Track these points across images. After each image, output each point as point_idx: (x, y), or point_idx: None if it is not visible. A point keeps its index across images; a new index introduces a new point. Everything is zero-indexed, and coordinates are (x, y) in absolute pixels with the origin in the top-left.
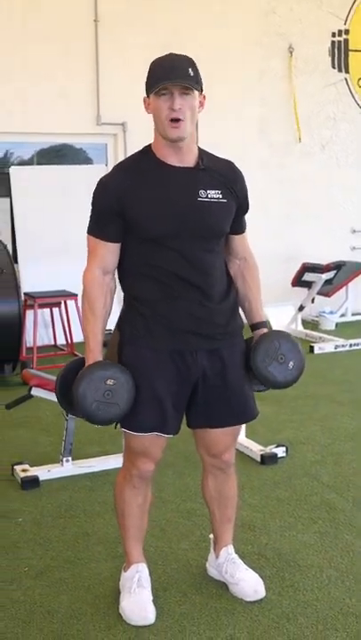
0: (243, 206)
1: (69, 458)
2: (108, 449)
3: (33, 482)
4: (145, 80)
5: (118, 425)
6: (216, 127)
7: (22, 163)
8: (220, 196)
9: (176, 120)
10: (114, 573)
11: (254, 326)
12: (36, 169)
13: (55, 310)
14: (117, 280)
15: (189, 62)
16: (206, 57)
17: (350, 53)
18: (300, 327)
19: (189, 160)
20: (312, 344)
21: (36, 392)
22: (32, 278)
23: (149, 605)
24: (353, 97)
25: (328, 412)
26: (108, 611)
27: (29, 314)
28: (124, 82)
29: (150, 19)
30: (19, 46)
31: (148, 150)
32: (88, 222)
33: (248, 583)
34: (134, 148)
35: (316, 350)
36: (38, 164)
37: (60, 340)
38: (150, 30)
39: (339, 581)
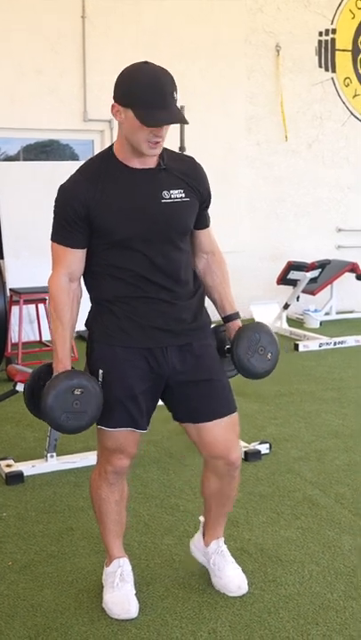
0: (205, 202)
1: (54, 454)
2: (91, 445)
3: (17, 477)
4: (119, 84)
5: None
6: (203, 125)
7: (8, 158)
8: (183, 195)
9: (156, 142)
10: (97, 568)
11: (227, 318)
12: (22, 164)
13: (41, 306)
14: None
15: (173, 83)
16: (194, 55)
17: (337, 53)
18: (285, 325)
19: (151, 161)
20: (297, 342)
21: (20, 387)
22: (17, 274)
23: (132, 599)
24: (339, 96)
25: (312, 409)
26: (91, 605)
27: (15, 310)
28: (112, 78)
29: (138, 15)
30: (4, 41)
31: (109, 154)
32: (52, 229)
33: (233, 579)
34: None
35: (301, 348)
36: (24, 159)
37: (46, 336)
38: (138, 27)
39: (320, 576)
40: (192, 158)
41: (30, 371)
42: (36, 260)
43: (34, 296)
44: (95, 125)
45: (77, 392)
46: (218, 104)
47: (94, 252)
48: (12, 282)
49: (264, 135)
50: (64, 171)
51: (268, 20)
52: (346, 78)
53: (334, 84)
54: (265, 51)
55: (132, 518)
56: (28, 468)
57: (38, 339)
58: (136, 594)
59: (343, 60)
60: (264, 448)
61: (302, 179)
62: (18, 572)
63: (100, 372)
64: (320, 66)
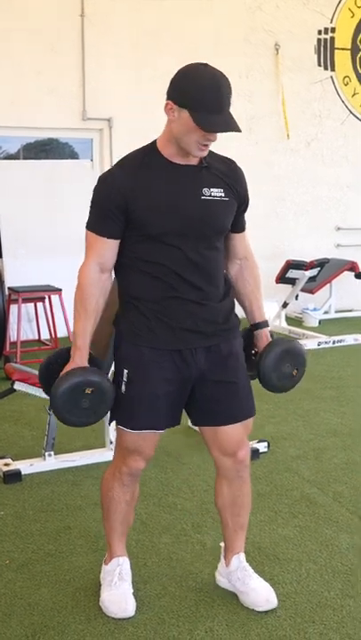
0: (244, 204)
1: (52, 452)
2: (90, 443)
3: (15, 476)
4: (178, 83)
5: (114, 422)
6: None
7: (8, 157)
8: (223, 195)
9: (206, 145)
10: (95, 566)
11: (256, 326)
12: (21, 163)
13: (39, 305)
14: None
15: (230, 88)
16: (193, 54)
17: (336, 51)
18: (284, 324)
19: (194, 159)
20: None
21: (18, 386)
22: (16, 273)
23: (129, 598)
24: (338, 95)
25: (310, 407)
26: (88, 603)
27: (13, 308)
28: (111, 77)
29: (137, 14)
30: (4, 41)
31: (153, 147)
32: (88, 217)
33: (260, 592)
34: (120, 143)
35: None
36: (24, 158)
37: (44, 335)
38: (137, 26)
39: (317, 575)
40: (233, 161)
41: (29, 370)
42: (34, 259)
43: (32, 295)
44: (94, 124)
45: (88, 391)
46: None
47: (127, 244)
48: (11, 281)
49: (263, 134)
50: (64, 170)
51: (267, 18)
52: (345, 77)
53: (333, 83)
54: (264, 49)
55: (134, 517)
56: (26, 466)
57: (37, 337)
58: (134, 592)
59: (342, 59)
60: (262, 447)
61: (302, 177)
62: (15, 570)
63: (125, 371)
64: (319, 64)
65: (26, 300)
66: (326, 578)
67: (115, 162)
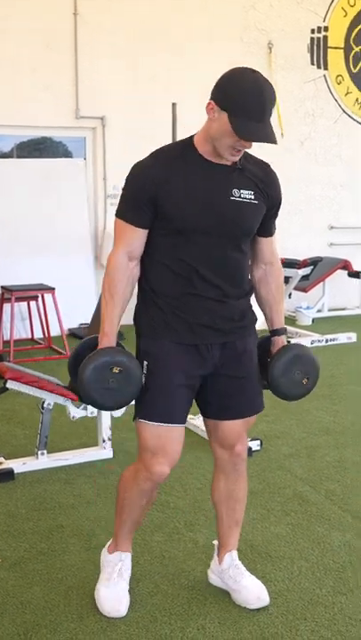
0: (274, 209)
1: (44, 451)
2: (83, 442)
3: (8, 474)
4: (222, 85)
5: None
6: (197, 122)
7: (2, 155)
8: (253, 197)
9: (239, 150)
10: (87, 565)
11: (274, 332)
12: (15, 162)
13: (32, 304)
14: None
15: (274, 98)
16: (188, 52)
17: (329, 50)
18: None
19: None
20: (289, 339)
21: (11, 385)
22: (10, 272)
23: (124, 598)
24: (331, 94)
25: (303, 406)
26: (80, 602)
27: (6, 307)
28: (104, 75)
29: (131, 12)
30: None
31: (189, 143)
32: (118, 205)
33: (252, 590)
34: (113, 141)
35: None
36: (18, 157)
37: (37, 334)
38: (131, 24)
39: (309, 572)
40: (268, 164)
41: (21, 368)
42: (28, 258)
43: (26, 294)
44: (87, 122)
45: (116, 370)
46: None
47: (152, 236)
48: (4, 279)
49: None
50: (57, 168)
51: (260, 17)
52: (338, 76)
53: (326, 82)
54: (257, 48)
55: None
56: (19, 465)
57: (30, 336)
58: (129, 590)
59: (335, 58)
60: (255, 445)
61: (295, 176)
62: (7, 569)
63: (145, 363)
64: (312, 63)
65: (19, 299)
66: (318, 575)
67: (108, 160)
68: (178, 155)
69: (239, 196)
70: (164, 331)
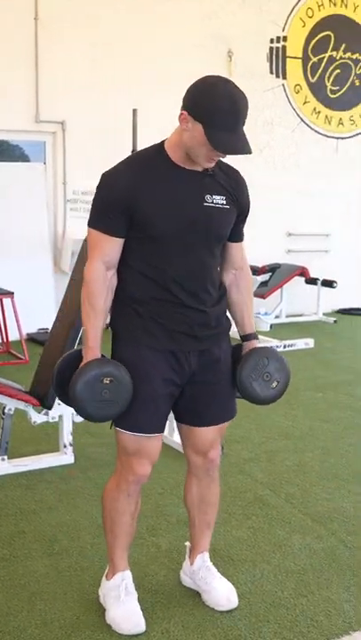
0: (243, 214)
1: (5, 456)
2: (42, 448)
3: None
4: (196, 96)
5: (112, 424)
6: (157, 129)
7: None
8: (224, 202)
9: (215, 159)
10: (50, 571)
11: (245, 337)
12: None
13: None
14: None
15: (247, 108)
16: (147, 57)
17: (288, 60)
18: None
19: (199, 165)
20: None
21: None
22: None
23: (139, 612)
24: (290, 103)
25: (262, 411)
26: (44, 607)
27: None
28: (65, 80)
29: (91, 19)
30: None
31: (161, 149)
32: (91, 215)
33: (222, 592)
34: (74, 146)
35: None
36: None
37: (14, 336)
38: (91, 30)
39: (271, 575)
40: (237, 170)
41: None
42: None
43: None
44: (47, 127)
45: (107, 381)
46: (171, 108)
47: (129, 245)
48: None
49: None
50: (15, 172)
51: (220, 25)
52: (296, 85)
53: (285, 91)
54: (217, 56)
55: (87, 520)
56: None
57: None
58: (86, 598)
59: (294, 68)
60: None
61: (253, 184)
62: None
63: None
64: (271, 72)
65: None
66: (280, 578)
67: (68, 165)
68: (150, 162)
69: (212, 202)
70: (142, 336)
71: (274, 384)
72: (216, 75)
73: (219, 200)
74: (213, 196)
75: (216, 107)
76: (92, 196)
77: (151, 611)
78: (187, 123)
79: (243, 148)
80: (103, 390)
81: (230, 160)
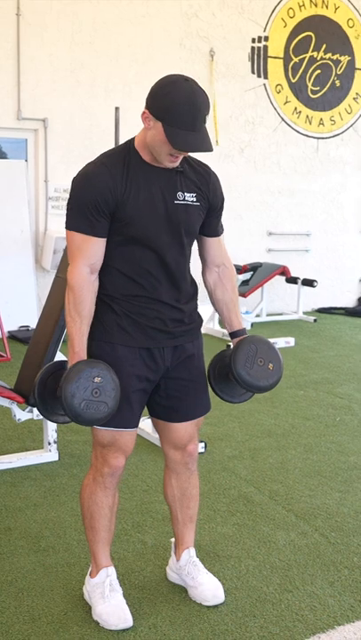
0: (216, 209)
1: None
2: (27, 445)
3: None
4: (156, 94)
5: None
6: (137, 126)
7: None
8: (195, 199)
9: (177, 157)
10: (37, 567)
11: (235, 334)
12: None
13: None
14: None
15: (208, 106)
16: (129, 56)
17: (269, 60)
18: (218, 326)
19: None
20: (229, 343)
21: None
22: None
23: (126, 607)
24: (271, 102)
25: (245, 409)
26: (32, 604)
27: None
28: (47, 77)
29: (73, 15)
30: None
31: (131, 147)
32: (68, 218)
33: (208, 587)
34: (55, 143)
35: None
36: None
37: None
38: (73, 27)
39: (256, 571)
40: (208, 166)
41: None
42: None
43: None
44: (29, 124)
45: (97, 380)
46: None
47: (109, 245)
48: None
49: None
50: None
51: (202, 25)
52: (277, 85)
53: (266, 91)
54: (199, 55)
55: (72, 517)
56: None
57: None
58: (76, 594)
59: (275, 67)
60: (200, 447)
61: (234, 183)
62: None
63: None
64: (253, 72)
65: None
66: (265, 573)
67: (50, 162)
68: (123, 160)
69: (183, 199)
70: (117, 334)
71: (270, 366)
72: (178, 74)
73: (189, 197)
74: (185, 194)
75: (174, 105)
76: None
77: (138, 606)
78: (148, 121)
79: (201, 145)
80: (94, 390)
81: (210, 159)
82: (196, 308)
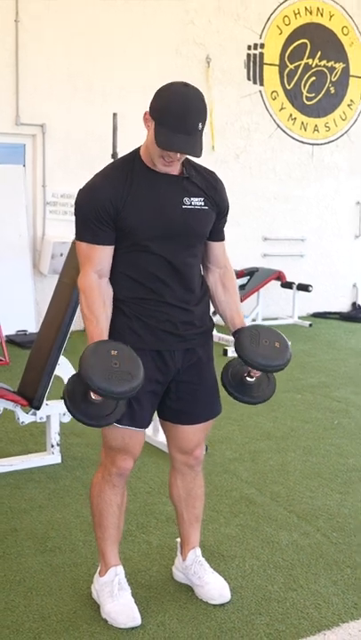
0: (222, 214)
1: None
2: (29, 448)
3: None
4: (155, 96)
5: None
6: (135, 134)
7: None
8: (202, 204)
9: (170, 162)
10: (44, 567)
11: (237, 332)
12: None
13: None
14: None
15: (202, 113)
16: (126, 63)
17: (265, 66)
18: (214, 331)
19: (175, 168)
20: (225, 347)
21: None
22: None
23: (134, 606)
24: (267, 109)
25: (244, 412)
26: (41, 602)
27: None
28: (45, 83)
29: (71, 22)
30: None
31: (136, 156)
32: (77, 230)
33: (214, 586)
34: (53, 149)
35: (230, 353)
36: None
37: None
38: (71, 33)
39: (261, 570)
40: (213, 172)
41: None
42: None
43: None
44: (27, 130)
45: (114, 352)
46: None
47: (115, 252)
48: None
49: None
50: None
51: (198, 32)
52: (273, 92)
53: (262, 97)
54: (195, 62)
55: (77, 519)
56: None
57: None
58: (85, 593)
59: (271, 74)
60: None
61: (230, 188)
62: None
63: None
64: (249, 79)
65: None
66: (269, 573)
67: (48, 167)
68: (127, 169)
69: (190, 204)
70: (128, 336)
71: (276, 344)
72: (180, 80)
73: (197, 202)
74: (192, 199)
75: (166, 105)
76: (73, 206)
77: (146, 605)
78: (147, 122)
79: (185, 146)
80: (113, 361)
81: (206, 165)
82: (208, 310)
